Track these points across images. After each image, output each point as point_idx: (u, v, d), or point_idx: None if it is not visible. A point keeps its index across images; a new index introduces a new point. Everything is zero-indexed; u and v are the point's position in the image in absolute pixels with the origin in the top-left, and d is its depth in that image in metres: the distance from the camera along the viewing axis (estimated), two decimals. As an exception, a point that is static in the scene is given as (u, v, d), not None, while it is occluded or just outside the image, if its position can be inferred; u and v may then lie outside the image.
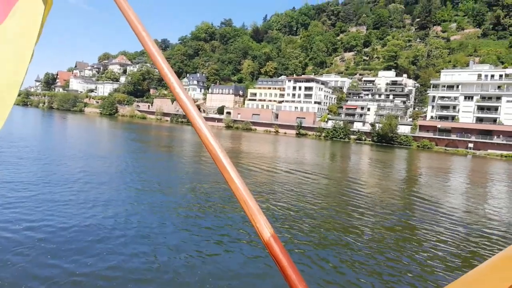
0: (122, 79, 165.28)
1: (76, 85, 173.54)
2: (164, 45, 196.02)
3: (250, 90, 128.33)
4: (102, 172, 20.73)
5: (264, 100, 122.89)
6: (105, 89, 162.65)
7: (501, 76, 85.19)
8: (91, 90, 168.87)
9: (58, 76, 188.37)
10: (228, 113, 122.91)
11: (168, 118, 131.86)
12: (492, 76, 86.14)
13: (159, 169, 24.05)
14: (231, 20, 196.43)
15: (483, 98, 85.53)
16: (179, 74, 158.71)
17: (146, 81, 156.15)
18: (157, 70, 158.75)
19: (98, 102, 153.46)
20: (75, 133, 55.67)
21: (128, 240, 10.13)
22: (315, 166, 34.22)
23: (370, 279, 8.90)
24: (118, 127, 75.91)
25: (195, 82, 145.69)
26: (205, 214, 13.65)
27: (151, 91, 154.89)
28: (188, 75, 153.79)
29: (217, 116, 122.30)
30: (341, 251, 10.70)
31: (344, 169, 35.25)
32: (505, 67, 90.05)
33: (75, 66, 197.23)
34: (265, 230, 0.86)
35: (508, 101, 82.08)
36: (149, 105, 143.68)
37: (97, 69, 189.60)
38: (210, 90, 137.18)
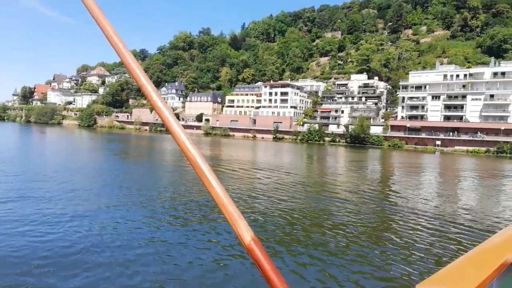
0: (101, 90, 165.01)
1: (54, 97, 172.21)
2: (142, 55, 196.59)
3: (228, 97, 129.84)
4: (79, 185, 19.67)
5: (242, 106, 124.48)
6: (83, 101, 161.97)
7: (465, 75, 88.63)
8: (70, 103, 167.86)
9: (35, 89, 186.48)
10: (207, 120, 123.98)
11: (147, 127, 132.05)
12: (457, 76, 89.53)
13: (139, 178, 23.64)
14: (209, 29, 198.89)
15: (449, 97, 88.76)
16: (158, 84, 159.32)
17: (125, 92, 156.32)
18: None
19: (76, 114, 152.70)
20: (51, 146, 55.24)
21: (110, 251, 9.74)
22: (292, 169, 34.70)
23: (350, 280, 8.75)
24: (97, 139, 75.97)
25: (174, 91, 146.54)
26: (187, 220, 13.44)
27: (130, 101, 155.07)
28: (166, 84, 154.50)
29: (196, 123, 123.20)
30: (322, 252, 10.59)
31: (321, 171, 35.70)
32: (469, 67, 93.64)
33: (53, 79, 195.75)
34: (246, 234, 0.86)
35: (473, 99, 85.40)
36: (128, 115, 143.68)
37: (76, 81, 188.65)
38: (188, 98, 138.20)
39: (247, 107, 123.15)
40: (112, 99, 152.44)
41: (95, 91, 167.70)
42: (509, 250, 1.16)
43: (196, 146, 0.90)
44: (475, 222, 15.15)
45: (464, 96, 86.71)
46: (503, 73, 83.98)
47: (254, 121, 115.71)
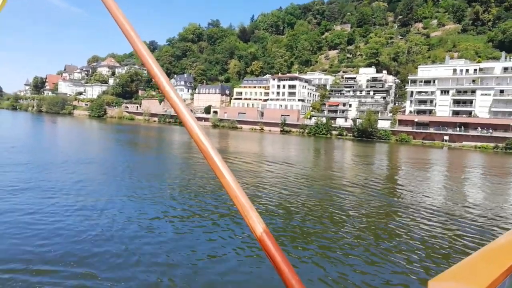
0: (111, 81, 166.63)
1: (65, 88, 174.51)
2: (152, 47, 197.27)
3: (236, 90, 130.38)
4: (88, 175, 19.71)
5: (250, 99, 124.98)
6: (94, 91, 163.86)
7: (475, 70, 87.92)
8: (80, 93, 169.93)
9: (47, 80, 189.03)
10: (215, 112, 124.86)
11: (156, 119, 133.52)
12: (467, 70, 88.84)
13: (148, 168, 24.01)
14: (218, 21, 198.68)
15: (458, 92, 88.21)
16: (167, 75, 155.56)
17: (135, 83, 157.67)
18: (145, 72, 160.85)
19: (87, 104, 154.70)
20: (63, 135, 56.40)
21: (114, 242, 9.80)
22: (299, 162, 35.06)
23: (361, 274, 8.80)
24: (107, 129, 77.28)
25: (183, 82, 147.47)
26: (200, 212, 13.52)
27: (140, 92, 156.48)
28: (175, 76, 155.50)
29: (204, 115, 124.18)
30: (332, 246, 10.64)
31: (328, 164, 36.08)
32: (479, 62, 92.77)
33: (64, 69, 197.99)
34: (258, 225, 0.88)
35: (482, 94, 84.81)
36: (137, 106, 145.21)
37: (86, 72, 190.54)
38: (197, 90, 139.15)
39: (255, 99, 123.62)
40: (122, 90, 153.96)
41: (105, 82, 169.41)
42: None
43: (208, 137, 0.89)
44: (483, 218, 15.21)
45: (473, 91, 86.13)
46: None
47: (262, 114, 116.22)
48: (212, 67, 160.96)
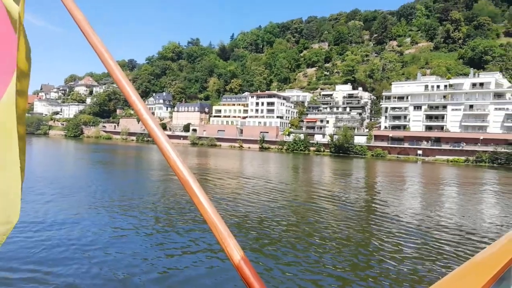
0: (88, 100, 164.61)
1: (41, 108, 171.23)
2: (131, 66, 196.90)
3: (215, 107, 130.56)
4: (60, 194, 19.51)
5: (229, 116, 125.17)
6: (70, 111, 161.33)
7: (446, 86, 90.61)
8: (56, 113, 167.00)
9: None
10: (194, 130, 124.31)
11: (134, 138, 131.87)
12: (438, 86, 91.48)
13: (126, 190, 23.04)
14: (198, 39, 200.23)
15: (430, 107, 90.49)
16: (146, 94, 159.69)
17: (113, 102, 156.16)
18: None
19: (63, 124, 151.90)
20: (35, 156, 54.62)
21: (93, 262, 9.77)
22: (277, 178, 34.64)
23: None
24: (82, 149, 75.52)
25: (161, 101, 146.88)
26: (175, 237, 12.88)
27: (118, 111, 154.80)
28: (154, 94, 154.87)
29: (183, 133, 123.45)
30: (306, 262, 10.53)
31: (305, 180, 35.78)
32: (449, 78, 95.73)
33: (41, 89, 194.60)
34: (235, 253, 0.86)
35: (453, 110, 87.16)
36: (115, 125, 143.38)
37: (63, 91, 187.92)
38: (176, 108, 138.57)
39: (234, 117, 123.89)
40: (100, 109, 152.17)
41: (82, 101, 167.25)
42: (506, 256, 1.23)
43: (186, 163, 0.90)
44: (459, 231, 15.43)
45: (444, 107, 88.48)
46: (481, 84, 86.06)
47: (241, 131, 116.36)
48: (191, 85, 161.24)
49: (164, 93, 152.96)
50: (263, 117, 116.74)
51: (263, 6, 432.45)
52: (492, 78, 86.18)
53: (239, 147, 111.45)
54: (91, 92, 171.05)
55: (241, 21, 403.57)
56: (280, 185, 28.81)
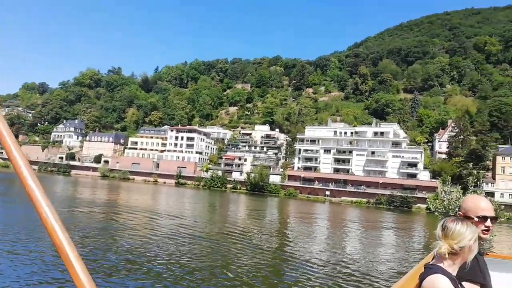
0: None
1: None
2: (42, 89, 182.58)
3: (131, 139, 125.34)
4: None
5: (146, 149, 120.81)
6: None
7: (352, 133, 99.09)
8: None
9: None
10: (106, 161, 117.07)
11: (36, 167, 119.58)
12: (345, 133, 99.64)
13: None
14: (120, 68, 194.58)
15: (338, 151, 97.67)
16: (56, 120, 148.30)
17: (15, 126, 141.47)
18: (29, 115, 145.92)
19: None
20: None
21: None
22: (193, 218, 33.11)
23: None
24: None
25: (72, 128, 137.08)
26: None
27: (21, 137, 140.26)
28: (65, 121, 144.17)
29: (93, 165, 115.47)
30: None
31: (220, 219, 35.46)
32: (355, 126, 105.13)
33: None
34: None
35: (357, 155, 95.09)
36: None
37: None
38: (88, 137, 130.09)
39: (151, 150, 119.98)
40: None
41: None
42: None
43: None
44: (362, 268, 16.92)
45: (350, 151, 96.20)
46: (382, 133, 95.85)
47: (158, 165, 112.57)
48: (108, 114, 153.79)
49: (76, 121, 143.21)
50: (181, 151, 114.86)
51: (190, 43, 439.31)
52: (390, 129, 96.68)
53: (153, 181, 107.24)
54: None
55: (167, 55, 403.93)
56: (194, 224, 28.36)
